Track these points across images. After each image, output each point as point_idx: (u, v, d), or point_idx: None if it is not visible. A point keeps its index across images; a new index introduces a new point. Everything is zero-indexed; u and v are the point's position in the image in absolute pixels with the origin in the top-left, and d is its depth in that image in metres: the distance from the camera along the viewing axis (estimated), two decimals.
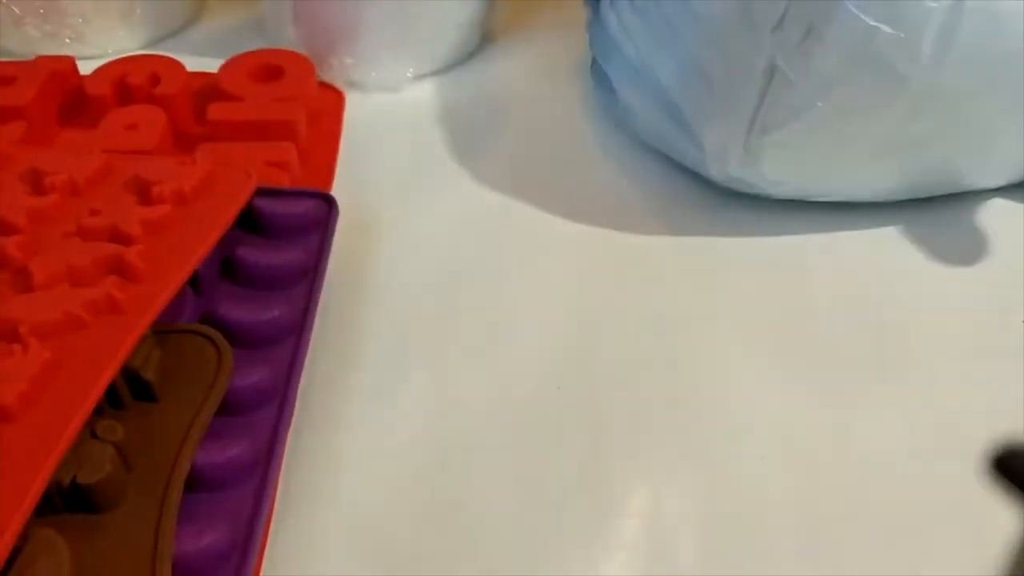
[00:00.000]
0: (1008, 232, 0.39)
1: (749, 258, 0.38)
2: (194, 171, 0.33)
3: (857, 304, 0.36)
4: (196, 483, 0.26)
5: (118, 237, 0.31)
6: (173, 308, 0.30)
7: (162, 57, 0.43)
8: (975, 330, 0.35)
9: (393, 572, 0.27)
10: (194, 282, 0.32)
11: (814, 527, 0.28)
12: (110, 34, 0.48)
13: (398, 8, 0.44)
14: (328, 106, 0.45)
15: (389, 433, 0.31)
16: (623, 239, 0.39)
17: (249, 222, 0.34)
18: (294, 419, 0.29)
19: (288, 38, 0.46)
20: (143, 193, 0.33)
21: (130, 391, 0.28)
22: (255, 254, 0.33)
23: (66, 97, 0.42)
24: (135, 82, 0.42)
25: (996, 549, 0.16)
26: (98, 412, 0.26)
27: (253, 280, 0.33)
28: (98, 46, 0.48)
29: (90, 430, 0.26)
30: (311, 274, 0.33)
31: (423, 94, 0.47)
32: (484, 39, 0.50)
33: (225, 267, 0.33)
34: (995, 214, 0.40)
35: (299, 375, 0.30)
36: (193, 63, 0.43)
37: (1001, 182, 0.39)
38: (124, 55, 0.44)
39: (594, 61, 0.44)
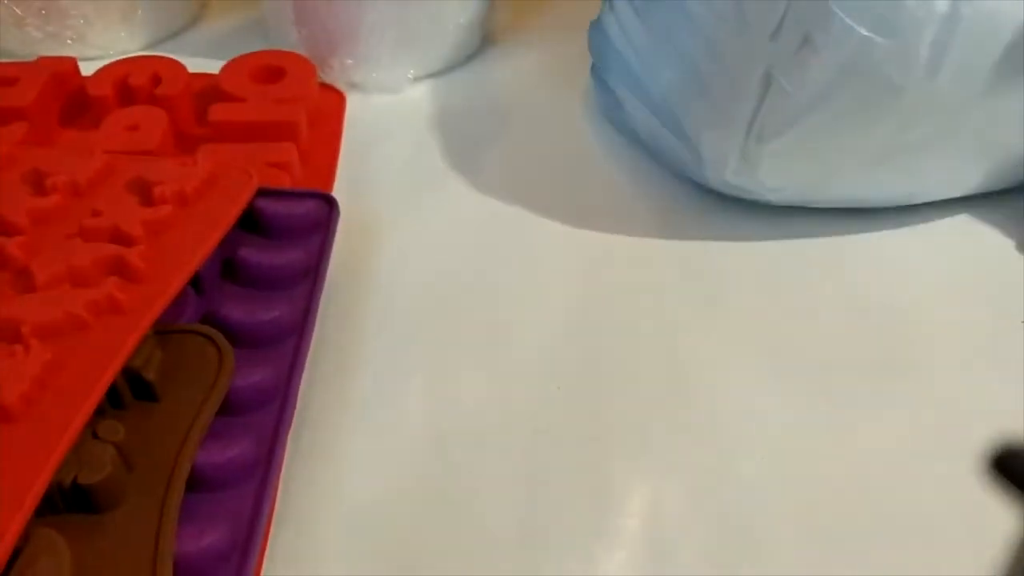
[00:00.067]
0: (1006, 234, 0.39)
1: (748, 261, 0.38)
2: (195, 172, 0.33)
3: (856, 306, 0.36)
4: (197, 483, 0.26)
5: (119, 238, 0.31)
6: (174, 308, 0.30)
7: (163, 58, 0.43)
8: (975, 331, 0.35)
9: (393, 572, 0.27)
10: (196, 282, 0.32)
11: (814, 527, 0.28)
12: (112, 35, 0.48)
13: (399, 10, 0.44)
14: (329, 107, 0.45)
15: (389, 433, 0.31)
16: (623, 240, 0.39)
17: (250, 223, 0.34)
18: (295, 419, 0.29)
19: (289, 39, 0.46)
20: (144, 194, 0.33)
21: (131, 391, 0.28)
22: (256, 254, 0.33)
23: (68, 98, 0.42)
24: (136, 83, 0.42)
25: (996, 549, 0.16)
26: (99, 412, 0.26)
27: (254, 280, 0.33)
28: (100, 47, 0.48)
29: (91, 430, 0.26)
30: (312, 274, 0.33)
31: (424, 95, 0.47)
32: (485, 41, 0.50)
33: (226, 267, 0.33)
34: (992, 216, 0.40)
35: (300, 375, 0.30)
36: (194, 64, 0.44)
37: (998, 187, 0.39)
38: (126, 56, 0.45)
39: (594, 66, 0.45)
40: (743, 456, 0.30)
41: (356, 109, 0.45)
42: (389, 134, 0.44)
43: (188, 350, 0.29)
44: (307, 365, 0.31)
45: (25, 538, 0.23)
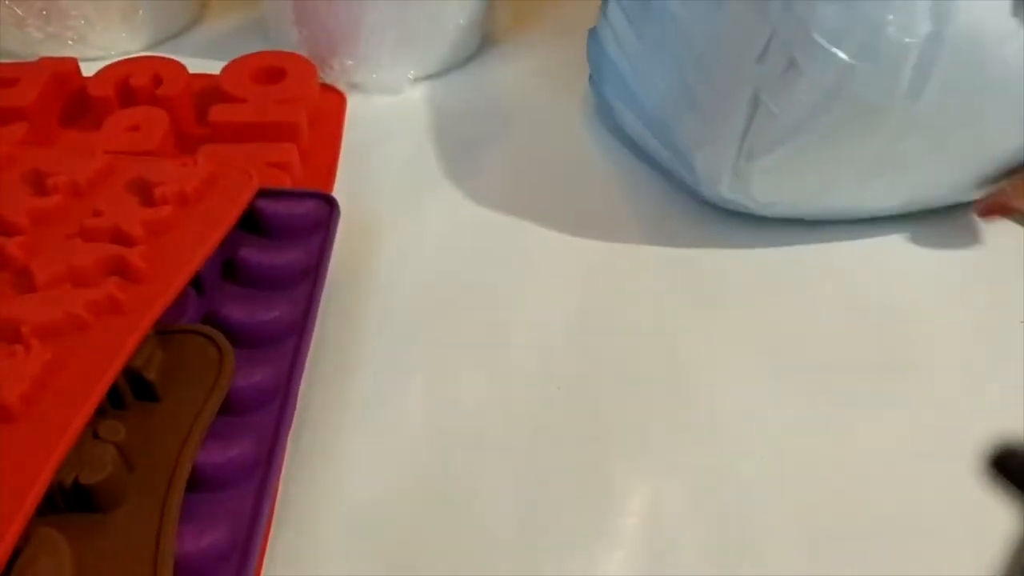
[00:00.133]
0: (1004, 236, 0.39)
1: (747, 262, 0.38)
2: (196, 172, 0.33)
3: (856, 307, 0.36)
4: (197, 483, 0.26)
5: (120, 238, 0.31)
6: (175, 308, 0.30)
7: (164, 59, 0.43)
8: (975, 331, 0.35)
9: (393, 572, 0.27)
10: (196, 282, 0.32)
11: (814, 527, 0.28)
12: (112, 36, 0.48)
13: (399, 11, 0.44)
14: (329, 108, 0.45)
15: (389, 433, 0.31)
16: (622, 242, 0.39)
17: (251, 223, 0.35)
18: (295, 419, 0.29)
19: (290, 40, 0.46)
20: (145, 194, 0.33)
21: (132, 391, 0.28)
22: (257, 255, 0.33)
23: (68, 98, 0.42)
24: (137, 83, 0.42)
25: (996, 549, 0.16)
26: (100, 412, 0.26)
27: (255, 280, 0.33)
28: (100, 48, 0.48)
29: (92, 430, 0.26)
30: (312, 274, 0.33)
31: (424, 96, 0.47)
32: (485, 42, 0.50)
33: (227, 268, 0.34)
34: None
35: (300, 375, 0.30)
36: (195, 65, 0.44)
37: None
38: (126, 57, 0.45)
39: (592, 75, 0.45)
40: (743, 456, 0.30)
41: (356, 109, 0.45)
42: (389, 134, 0.44)
43: (189, 350, 0.29)
44: (307, 365, 0.31)
45: (26, 538, 0.23)
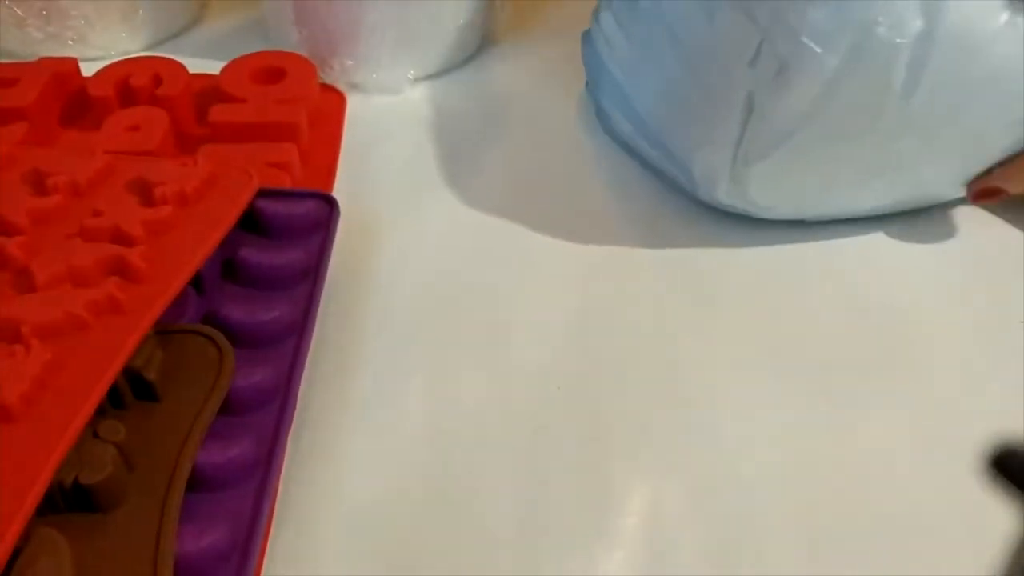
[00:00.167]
0: (1004, 235, 0.39)
1: (746, 262, 0.38)
2: (196, 172, 0.33)
3: (856, 307, 0.36)
4: (197, 483, 0.26)
5: (120, 238, 0.31)
6: (175, 308, 0.30)
7: (164, 59, 0.43)
8: (975, 331, 0.35)
9: (393, 572, 0.27)
10: (196, 282, 0.32)
11: (814, 527, 0.28)
12: (112, 36, 0.48)
13: (399, 10, 0.44)
14: (329, 108, 0.45)
15: (389, 433, 0.31)
16: (622, 242, 0.39)
17: (251, 223, 0.35)
18: (295, 419, 0.29)
19: (290, 40, 0.46)
20: (145, 194, 0.33)
21: (132, 391, 0.28)
22: (257, 255, 0.33)
23: (68, 98, 0.42)
24: (137, 83, 0.42)
25: (996, 549, 0.16)
26: (100, 412, 0.26)
27: (255, 280, 0.33)
28: (100, 48, 0.48)
29: (92, 430, 0.26)
30: (312, 274, 0.33)
31: (424, 96, 0.47)
32: (485, 42, 0.50)
33: (227, 268, 0.34)
34: (992, 215, 0.40)
35: (300, 375, 0.30)
36: (195, 65, 0.44)
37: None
38: (126, 57, 0.45)
39: (588, 82, 0.45)
40: (743, 456, 0.30)
41: (356, 109, 0.45)
42: (389, 134, 0.44)
43: (189, 350, 0.29)
44: (307, 365, 0.31)
45: (26, 538, 0.23)
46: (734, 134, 0.35)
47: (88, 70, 0.43)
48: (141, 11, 0.48)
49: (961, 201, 0.39)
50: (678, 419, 0.32)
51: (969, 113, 0.34)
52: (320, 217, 0.35)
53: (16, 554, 0.23)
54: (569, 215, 0.40)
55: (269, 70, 0.43)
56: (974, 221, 0.40)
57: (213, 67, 0.43)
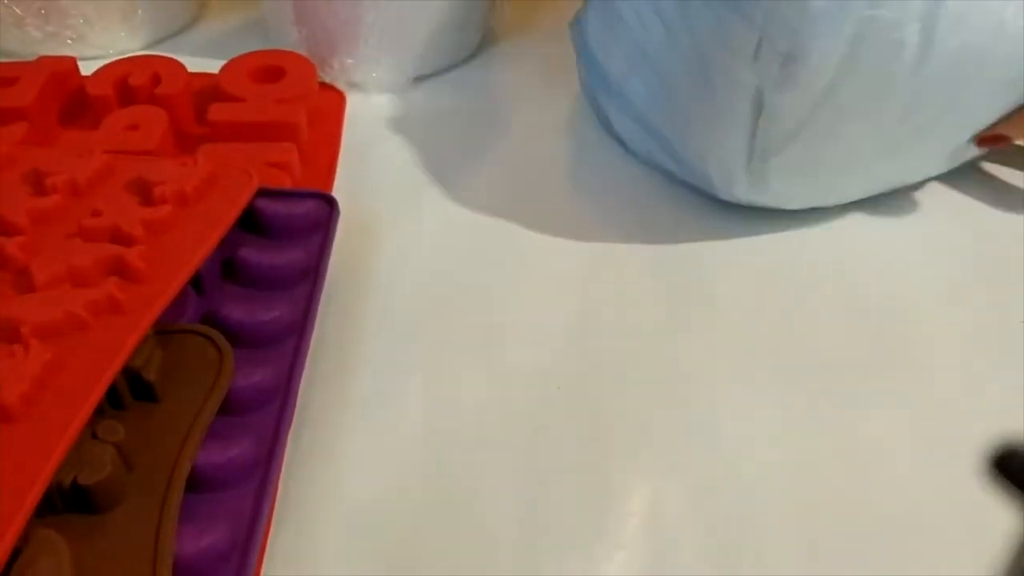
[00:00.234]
0: (1004, 234, 0.39)
1: (746, 261, 0.38)
2: (195, 172, 0.33)
3: (856, 306, 0.36)
4: (197, 483, 0.26)
5: (119, 238, 0.31)
6: (174, 308, 0.30)
7: (163, 58, 0.43)
8: (975, 331, 0.35)
9: (393, 572, 0.27)
10: (196, 282, 0.32)
11: (813, 527, 0.28)
12: (111, 35, 0.48)
13: (399, 9, 0.44)
14: (329, 107, 0.45)
15: (389, 433, 0.31)
16: (622, 241, 0.39)
17: (250, 223, 0.34)
18: (295, 419, 0.29)
19: (289, 39, 0.46)
20: (144, 194, 0.33)
21: (131, 391, 0.28)
22: (256, 254, 0.33)
23: (67, 98, 0.42)
24: (136, 83, 0.42)
25: (996, 549, 0.16)
26: (99, 412, 0.26)
27: (254, 280, 0.33)
28: (99, 47, 0.48)
29: (91, 431, 0.26)
30: (312, 274, 0.33)
31: (424, 95, 0.47)
32: (485, 41, 0.50)
33: (226, 267, 0.33)
34: (993, 214, 0.40)
35: (300, 375, 0.30)
36: (194, 64, 0.43)
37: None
38: (125, 56, 0.45)
39: (584, 85, 0.44)
40: (743, 456, 0.30)
41: (356, 109, 0.45)
42: (389, 134, 0.44)
43: (188, 350, 0.29)
44: (307, 365, 0.31)
45: (25, 538, 0.23)
46: (746, 132, 0.35)
47: (87, 69, 0.43)
48: (140, 10, 0.48)
49: (967, 197, 0.39)
50: (678, 419, 0.32)
51: (979, 79, 0.34)
52: (320, 217, 0.35)
53: (16, 554, 0.23)
54: (569, 215, 0.40)
55: (268, 69, 0.43)
56: (974, 221, 0.40)
57: (212, 66, 0.43)
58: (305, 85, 0.42)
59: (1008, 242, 0.39)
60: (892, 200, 0.40)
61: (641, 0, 0.37)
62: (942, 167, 0.39)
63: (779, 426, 0.31)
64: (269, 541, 0.27)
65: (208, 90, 0.42)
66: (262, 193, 0.35)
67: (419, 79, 0.47)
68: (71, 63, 0.43)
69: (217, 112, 0.40)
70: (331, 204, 0.36)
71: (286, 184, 0.38)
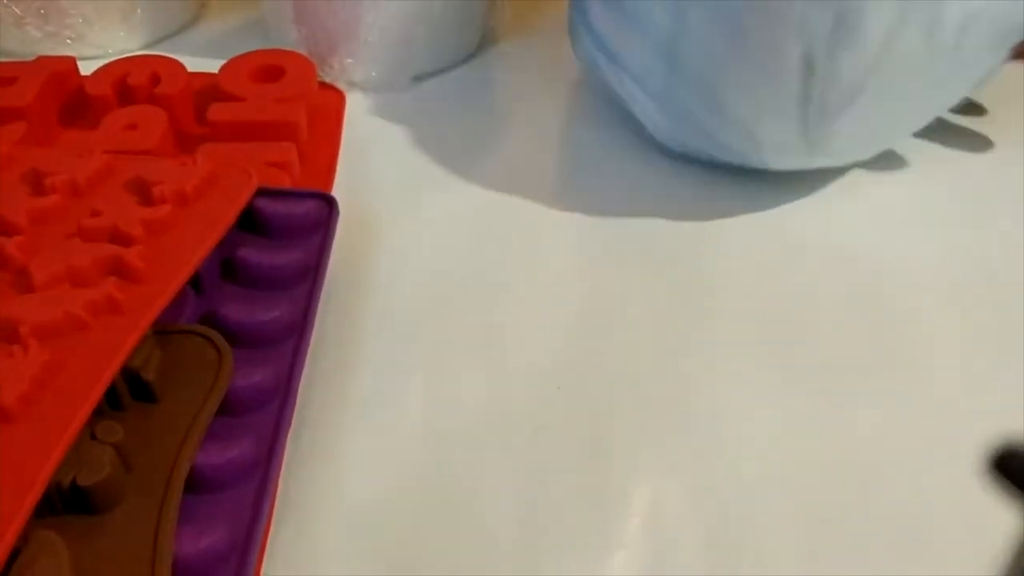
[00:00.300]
0: (1005, 234, 0.39)
1: (748, 259, 0.38)
2: (195, 171, 0.33)
3: (857, 306, 0.36)
4: (196, 484, 0.26)
5: (119, 238, 0.31)
6: (173, 308, 0.30)
7: (163, 57, 0.43)
8: (975, 331, 0.35)
9: (393, 572, 0.27)
10: (195, 282, 0.32)
11: (813, 527, 0.28)
12: (111, 34, 0.48)
13: (399, 9, 0.44)
14: (329, 106, 0.45)
15: (389, 433, 0.31)
16: (622, 240, 0.39)
17: (250, 222, 0.34)
18: (294, 419, 0.29)
19: (289, 39, 0.46)
20: (144, 193, 0.33)
21: (130, 392, 0.28)
22: (256, 254, 0.33)
23: (67, 97, 0.42)
24: (136, 82, 0.42)
25: (996, 549, 0.16)
26: (98, 413, 0.26)
27: (254, 280, 0.33)
28: (99, 46, 0.48)
29: (90, 431, 0.26)
30: (312, 274, 0.33)
31: (424, 95, 0.47)
32: (485, 40, 0.50)
33: (226, 267, 0.33)
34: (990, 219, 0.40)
35: (300, 375, 0.30)
36: (194, 63, 0.43)
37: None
38: (125, 55, 0.44)
39: (590, 66, 0.44)
40: (743, 456, 0.30)
41: (356, 108, 0.45)
42: (389, 133, 0.44)
43: (187, 351, 0.29)
44: (307, 365, 0.31)
45: (24, 539, 0.23)
46: (798, 100, 0.35)
47: (86, 69, 0.43)
48: (140, 10, 0.48)
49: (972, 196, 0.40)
50: (678, 419, 0.32)
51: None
52: (320, 217, 0.35)
53: (15, 555, 0.23)
54: (570, 213, 0.40)
55: (268, 69, 0.43)
56: (974, 221, 0.40)
57: (212, 66, 0.43)
58: (305, 85, 0.42)
59: (1009, 242, 0.38)
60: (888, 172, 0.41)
61: None
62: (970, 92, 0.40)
63: (779, 426, 0.31)
64: (269, 541, 0.27)
65: (208, 90, 0.42)
66: (262, 193, 0.34)
67: (419, 79, 0.47)
68: (70, 63, 0.43)
69: (216, 112, 0.40)
70: (331, 204, 0.36)
71: (286, 184, 0.38)
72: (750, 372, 0.33)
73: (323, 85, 0.45)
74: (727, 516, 0.29)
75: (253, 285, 0.33)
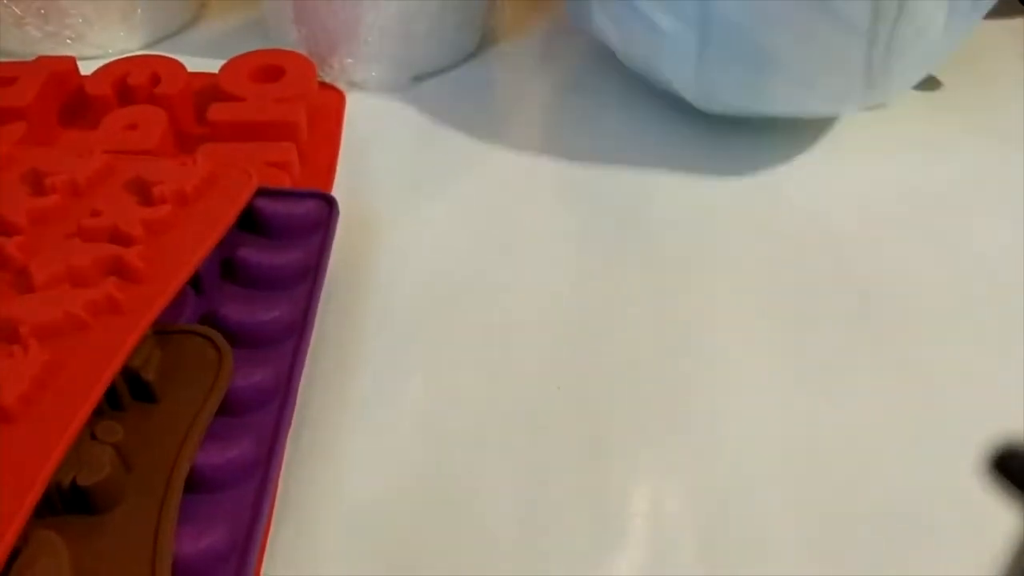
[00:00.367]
0: (1005, 233, 0.39)
1: (749, 259, 0.38)
2: (195, 171, 0.33)
3: (858, 304, 0.36)
4: (196, 484, 0.26)
5: (119, 238, 0.31)
6: (173, 308, 0.30)
7: (163, 57, 0.43)
8: (975, 331, 0.35)
9: (393, 572, 0.27)
10: (195, 282, 0.32)
11: (813, 527, 0.28)
12: (111, 34, 0.48)
13: (399, 9, 0.44)
14: (329, 106, 0.45)
15: (389, 433, 0.31)
16: (622, 240, 0.39)
17: (250, 222, 0.34)
18: (294, 419, 0.29)
19: (289, 38, 0.46)
20: (144, 193, 0.33)
21: (130, 392, 0.28)
22: (256, 254, 0.33)
23: (67, 97, 0.42)
24: (136, 82, 0.42)
25: (996, 549, 0.16)
26: (98, 413, 0.26)
27: (254, 280, 0.33)
28: (99, 46, 0.48)
29: (90, 431, 0.26)
30: (312, 274, 0.33)
31: (423, 95, 0.47)
32: (484, 40, 0.50)
33: (226, 267, 0.33)
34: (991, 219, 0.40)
35: (300, 375, 0.30)
36: (194, 63, 0.43)
37: None
38: (125, 55, 0.44)
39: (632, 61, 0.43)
40: (744, 456, 0.30)
41: (356, 108, 0.45)
42: (388, 133, 0.44)
43: (187, 351, 0.29)
44: (307, 365, 0.31)
45: (24, 539, 0.23)
46: (864, 43, 0.35)
47: (86, 69, 0.43)
48: (140, 10, 0.48)
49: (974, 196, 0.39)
50: (679, 418, 0.32)
51: None
52: (320, 217, 0.35)
53: (15, 555, 0.23)
54: (570, 213, 0.40)
55: (268, 69, 0.43)
56: (975, 221, 0.40)
57: (212, 66, 0.43)
58: (305, 84, 0.42)
59: (1009, 242, 0.38)
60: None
61: None
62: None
63: (780, 426, 0.31)
64: (269, 541, 0.27)
65: (208, 90, 0.42)
66: (262, 193, 0.34)
67: (419, 79, 0.47)
68: (70, 63, 0.43)
69: (216, 112, 0.40)
70: (331, 204, 0.36)
71: (286, 184, 0.38)
72: (751, 373, 0.33)
73: (323, 85, 0.45)
74: (727, 516, 0.29)
75: (253, 285, 0.33)
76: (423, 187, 0.41)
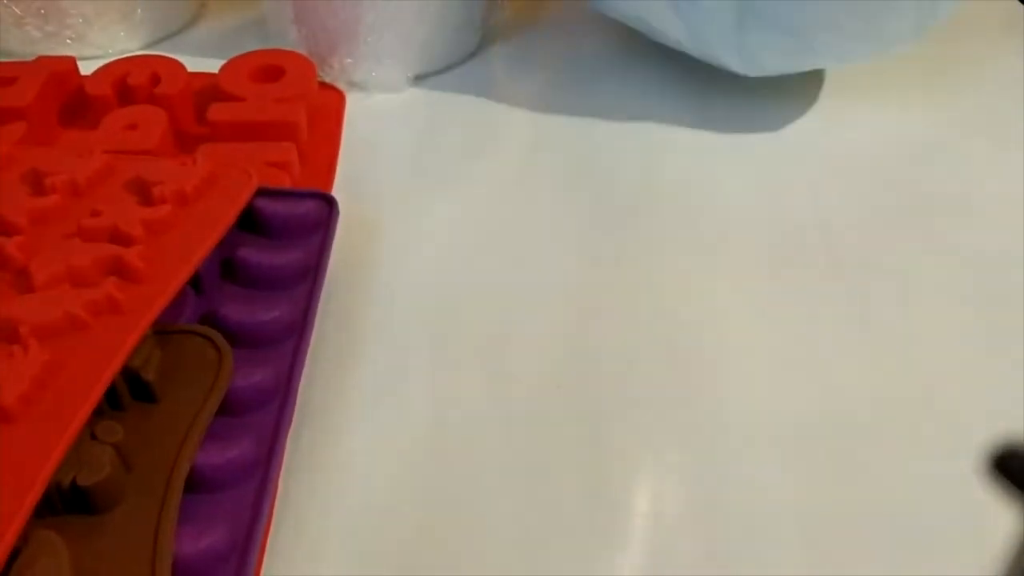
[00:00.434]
0: (1004, 234, 0.39)
1: (754, 256, 0.38)
2: (195, 171, 0.33)
3: (857, 306, 0.36)
4: (196, 484, 0.26)
5: (119, 238, 0.31)
6: (173, 308, 0.30)
7: (163, 57, 0.43)
8: (975, 330, 0.35)
9: (393, 572, 0.27)
10: (195, 282, 0.32)
11: (813, 527, 0.28)
12: (111, 34, 0.48)
13: (399, 8, 0.44)
14: (329, 106, 0.45)
15: (389, 433, 0.31)
16: (622, 240, 0.39)
17: (250, 222, 0.34)
18: (295, 419, 0.29)
19: (289, 38, 0.46)
20: (144, 193, 0.33)
21: (130, 392, 0.28)
22: (256, 254, 0.33)
23: (67, 97, 0.42)
24: (136, 82, 0.42)
25: (996, 549, 0.16)
26: (98, 413, 0.26)
27: (254, 280, 0.33)
28: (99, 46, 0.48)
29: (90, 431, 0.26)
30: (312, 274, 0.33)
31: (424, 95, 0.47)
32: (485, 40, 0.50)
33: (226, 267, 0.33)
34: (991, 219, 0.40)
35: (300, 375, 0.30)
36: (194, 63, 0.43)
37: None
38: (125, 55, 0.44)
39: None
40: (745, 456, 0.30)
41: (356, 108, 0.45)
42: (389, 133, 0.44)
43: (187, 351, 0.29)
44: (307, 365, 0.31)
45: (24, 539, 0.23)
46: None
47: (86, 69, 0.43)
48: (140, 10, 0.48)
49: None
50: (679, 418, 0.32)
51: None
52: (320, 217, 0.35)
53: (15, 555, 0.23)
54: (570, 213, 0.40)
55: (268, 69, 0.42)
56: (975, 221, 0.40)
57: (212, 66, 0.43)
58: (305, 84, 0.42)
59: (1009, 241, 0.38)
60: None
61: None
62: None
63: (780, 427, 0.31)
64: (269, 541, 0.27)
65: (207, 90, 0.42)
66: (262, 193, 0.34)
67: (419, 79, 0.47)
68: (70, 63, 0.43)
69: (216, 112, 0.40)
70: (331, 204, 0.36)
71: (286, 184, 0.38)
72: (752, 374, 0.33)
73: (323, 85, 0.45)
74: (727, 516, 0.29)
75: (253, 285, 0.33)
76: (423, 187, 0.41)
